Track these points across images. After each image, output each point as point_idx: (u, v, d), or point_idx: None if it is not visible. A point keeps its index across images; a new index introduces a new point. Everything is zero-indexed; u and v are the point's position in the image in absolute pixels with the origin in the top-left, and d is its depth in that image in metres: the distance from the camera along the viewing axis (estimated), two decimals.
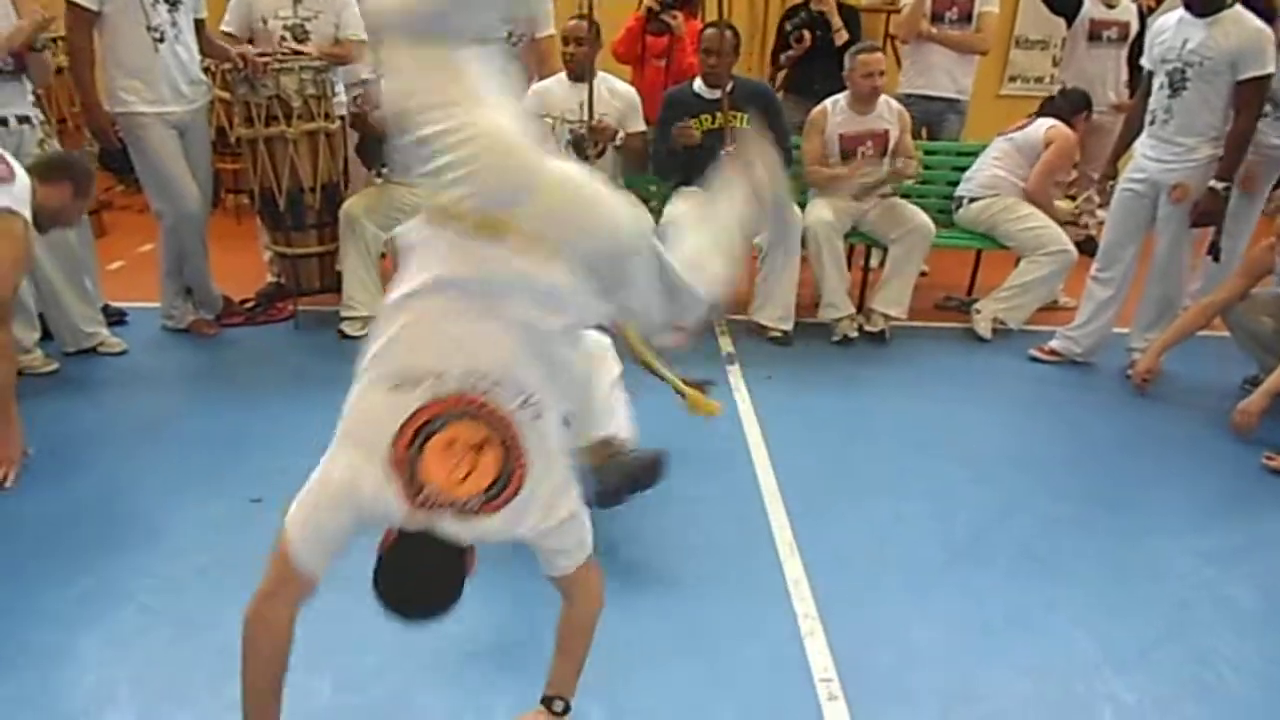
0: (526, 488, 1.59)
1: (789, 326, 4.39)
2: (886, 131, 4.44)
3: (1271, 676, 2.36)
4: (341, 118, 4.28)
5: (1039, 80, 6.69)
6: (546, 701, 1.94)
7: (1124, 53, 5.16)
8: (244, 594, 1.66)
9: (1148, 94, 3.95)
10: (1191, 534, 3.00)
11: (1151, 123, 3.92)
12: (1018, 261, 4.57)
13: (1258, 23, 3.64)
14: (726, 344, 4.35)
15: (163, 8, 3.72)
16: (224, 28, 4.17)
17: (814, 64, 5.03)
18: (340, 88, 4.29)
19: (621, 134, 4.27)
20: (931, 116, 5.13)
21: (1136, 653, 2.42)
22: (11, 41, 3.42)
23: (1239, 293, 3.79)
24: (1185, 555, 2.86)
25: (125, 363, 3.92)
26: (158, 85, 3.78)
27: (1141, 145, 4.00)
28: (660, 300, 1.82)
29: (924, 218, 4.39)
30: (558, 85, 4.31)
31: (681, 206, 2.16)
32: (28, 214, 2.93)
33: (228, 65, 3.96)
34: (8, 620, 2.34)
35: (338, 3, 4.23)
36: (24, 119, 3.59)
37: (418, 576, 1.59)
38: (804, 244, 4.33)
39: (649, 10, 4.79)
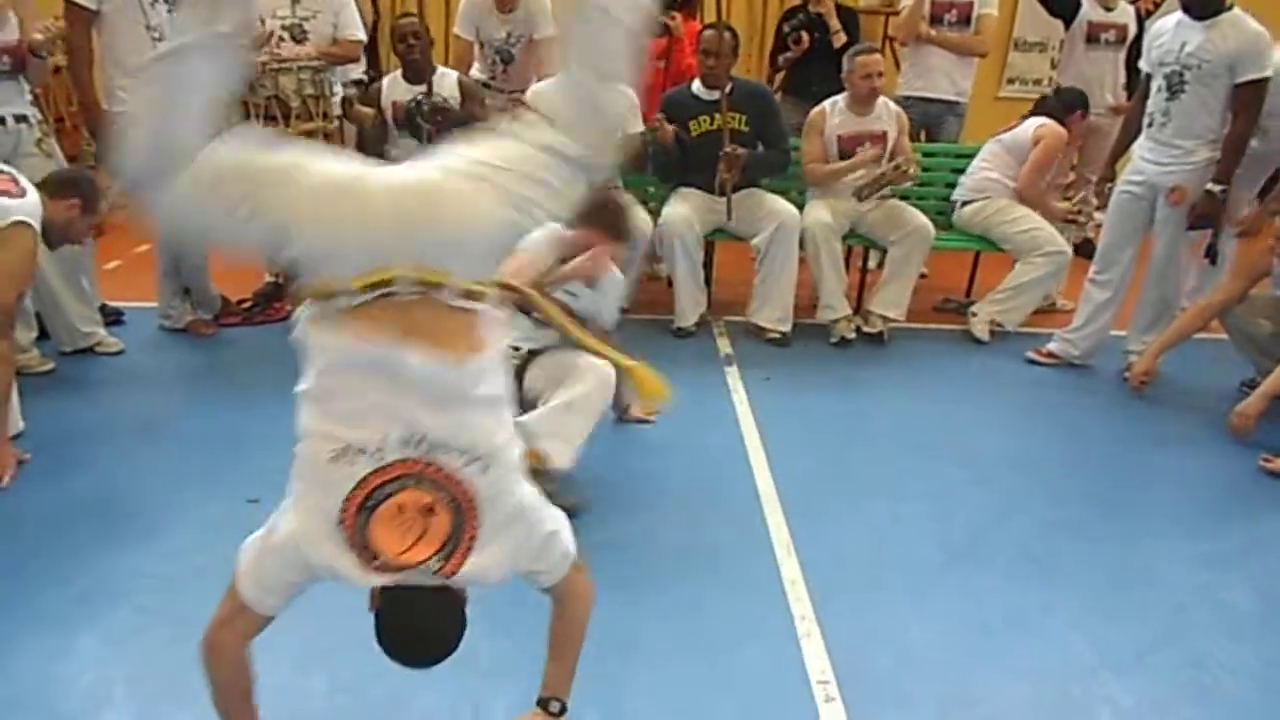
0: (482, 540, 1.54)
1: (787, 328, 4.39)
2: (885, 133, 4.44)
3: (1269, 679, 2.36)
4: (339, 118, 4.28)
5: (1037, 82, 6.71)
6: (542, 703, 1.94)
7: (1122, 55, 5.16)
8: None
9: (1146, 97, 3.96)
10: (1189, 536, 3.00)
11: (1149, 125, 3.92)
12: (1015, 263, 4.57)
13: (1256, 26, 3.65)
14: (725, 345, 4.36)
15: (161, 7, 3.71)
16: None
17: (812, 65, 5.04)
18: (338, 87, 4.30)
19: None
20: (930, 118, 5.13)
21: (1134, 655, 2.41)
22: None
23: (1237, 295, 3.79)
24: (1182, 558, 2.86)
25: (122, 362, 3.91)
26: None
27: (1139, 148, 4.00)
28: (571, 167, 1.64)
29: (923, 220, 4.39)
30: None
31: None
32: (38, 227, 2.95)
33: None
34: (4, 620, 2.33)
35: (335, 3, 4.24)
36: (21, 118, 3.59)
37: (416, 627, 1.57)
38: (802, 245, 4.34)
39: None
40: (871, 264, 5.03)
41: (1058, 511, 3.09)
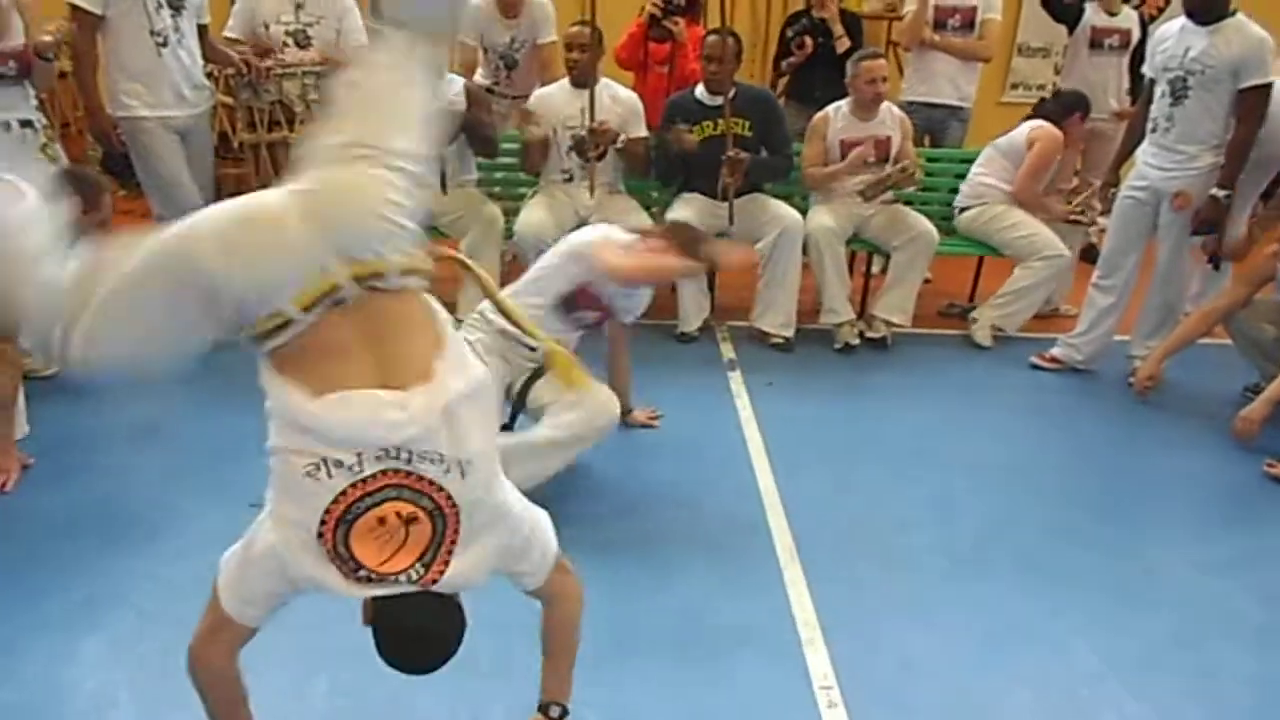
0: (462, 544, 1.53)
1: (790, 333, 4.38)
2: (888, 138, 4.44)
3: (1276, 686, 2.35)
4: None
5: (1041, 88, 6.71)
6: (543, 709, 1.94)
7: (1125, 60, 5.15)
8: None
9: (1149, 102, 3.96)
10: (1194, 543, 2.99)
11: (1153, 131, 3.92)
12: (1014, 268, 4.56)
13: (1260, 31, 3.65)
14: (728, 350, 4.35)
15: (166, 12, 3.73)
16: (227, 33, 4.18)
17: (815, 71, 5.03)
18: None
19: (622, 137, 4.28)
20: (934, 124, 5.13)
21: (1140, 662, 2.41)
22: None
23: (1241, 300, 3.79)
24: (1187, 563, 2.85)
25: None
26: (160, 90, 3.79)
27: (1143, 153, 4.00)
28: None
29: (927, 225, 4.39)
30: (560, 91, 4.32)
31: None
32: None
33: (231, 70, 3.97)
34: (8, 625, 2.34)
35: (339, 8, 4.25)
36: (26, 123, 3.59)
37: (414, 631, 1.54)
38: (805, 250, 4.34)
39: (651, 16, 4.79)
40: (875, 269, 5.03)
41: (1062, 517, 3.08)
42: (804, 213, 4.42)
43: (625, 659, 2.30)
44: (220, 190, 4.92)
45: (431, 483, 1.48)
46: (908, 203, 4.61)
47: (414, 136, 1.55)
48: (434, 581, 1.51)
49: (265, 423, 1.50)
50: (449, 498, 1.49)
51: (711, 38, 4.22)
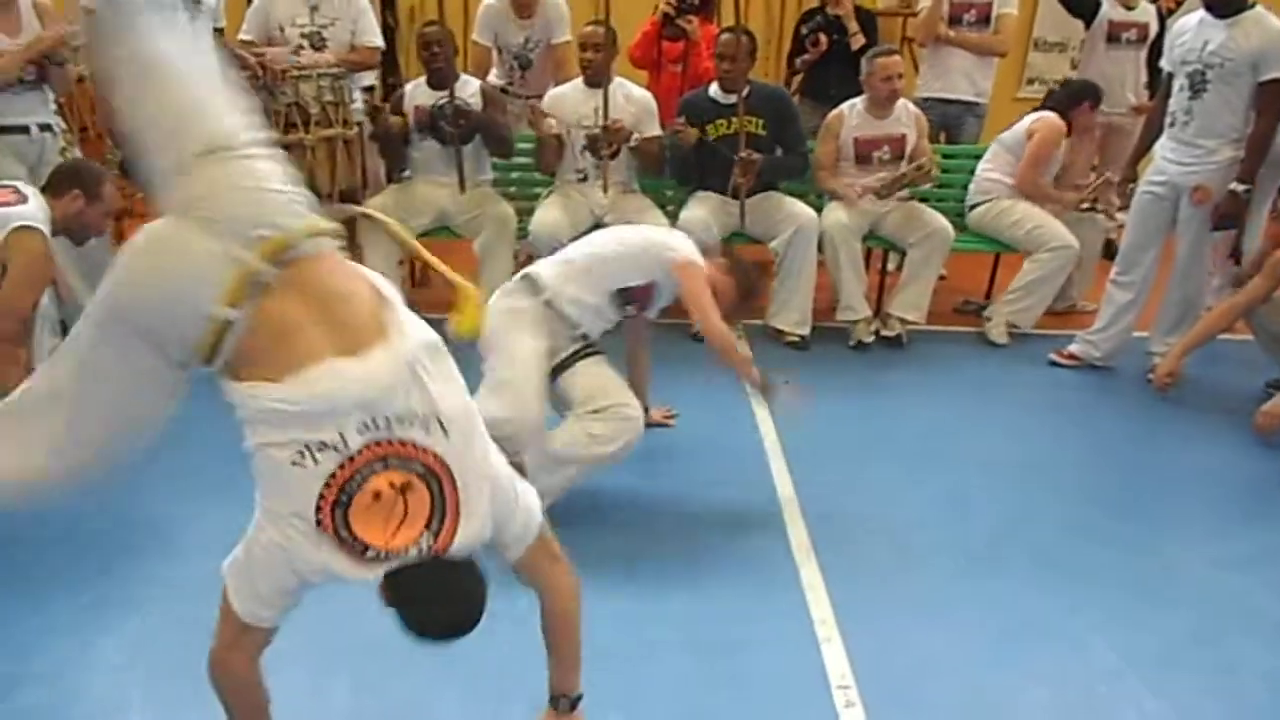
0: (468, 507, 1.53)
1: (806, 331, 4.37)
2: (903, 135, 4.43)
3: None
4: (359, 124, 4.31)
5: (1057, 82, 6.64)
6: (553, 701, 1.93)
7: (1143, 54, 5.12)
8: None
9: (1168, 96, 3.93)
10: (1213, 539, 2.97)
11: (1171, 125, 3.89)
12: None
13: (1279, 24, 3.61)
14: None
15: (181, 15, 3.74)
16: (242, 36, 4.21)
17: (830, 68, 5.02)
18: (357, 93, 4.33)
19: (636, 135, 4.28)
20: (950, 120, 5.10)
21: (1159, 659, 2.39)
22: (30, 51, 3.45)
23: (1262, 295, 3.75)
24: (1207, 560, 2.83)
25: None
26: None
27: (1161, 148, 3.97)
28: None
29: (943, 221, 4.37)
30: (573, 90, 4.32)
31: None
32: (47, 230, 2.95)
33: (247, 73, 3.99)
34: (20, 628, 2.35)
35: (353, 10, 4.27)
36: (45, 127, 3.63)
37: (438, 601, 1.53)
38: (821, 248, 4.32)
39: (665, 15, 4.79)
40: (891, 266, 5.01)
41: (1079, 514, 3.06)
42: (819, 210, 4.40)
43: (643, 658, 2.30)
44: None
45: (415, 445, 1.47)
46: (923, 199, 4.58)
47: (226, 103, 1.53)
48: (446, 547, 1.51)
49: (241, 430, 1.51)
50: (437, 458, 1.49)
51: (725, 36, 4.21)
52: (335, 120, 4.10)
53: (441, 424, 1.50)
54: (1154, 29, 5.06)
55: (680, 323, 4.44)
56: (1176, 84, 3.85)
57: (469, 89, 4.25)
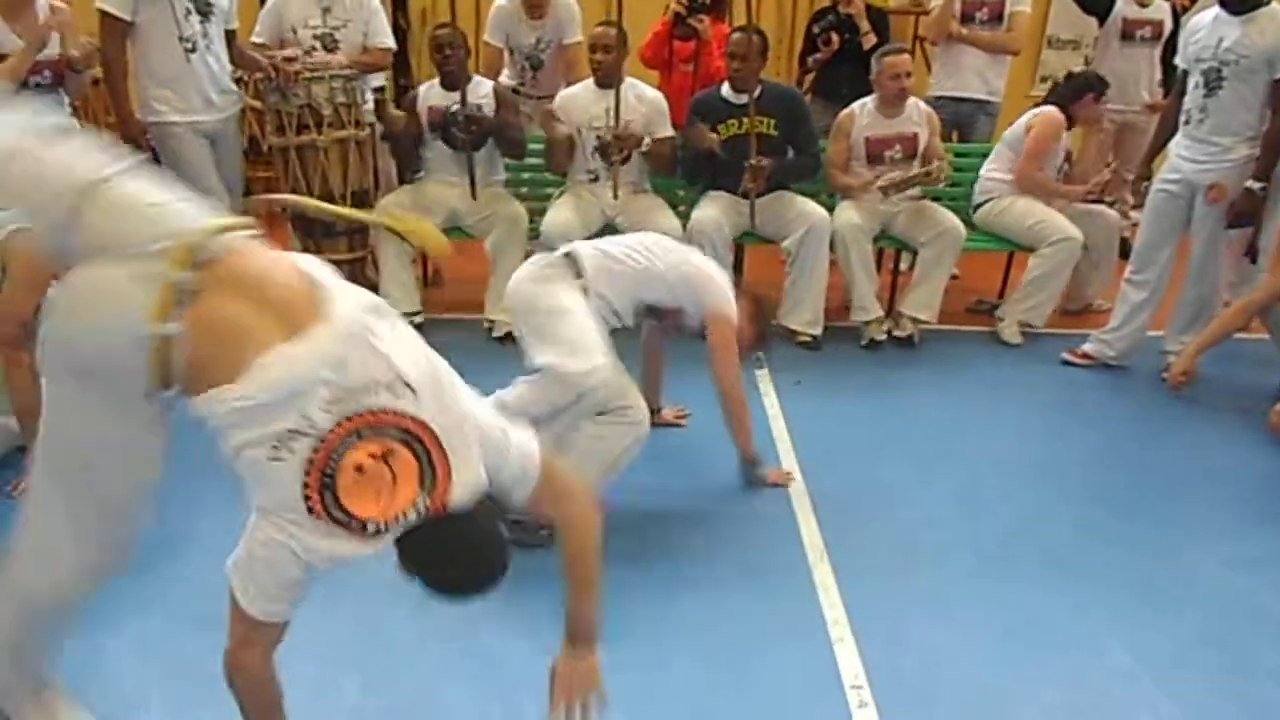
0: (457, 457, 1.53)
1: (818, 331, 4.36)
2: (915, 134, 4.41)
3: None
4: (371, 125, 4.33)
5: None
6: (567, 646, 1.86)
7: (1157, 52, 5.09)
8: None
9: (1182, 93, 3.90)
10: (1228, 539, 2.95)
11: (1186, 123, 3.87)
12: None
13: None
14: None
15: (195, 18, 3.77)
16: (255, 38, 4.23)
17: (842, 67, 5.01)
18: (369, 95, 4.34)
19: (648, 140, 4.27)
20: (962, 118, 5.08)
21: (1172, 660, 2.38)
22: (21, 63, 3.46)
23: (1277, 293, 3.73)
24: (1222, 560, 2.81)
25: None
26: (189, 95, 3.83)
27: (1176, 146, 3.94)
28: None
29: (954, 220, 4.35)
30: (584, 91, 4.33)
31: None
32: None
33: (260, 75, 4.01)
34: None
35: (366, 11, 4.29)
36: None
37: (456, 557, 1.54)
38: (832, 247, 4.31)
39: (676, 15, 4.79)
40: (903, 266, 4.99)
41: (1092, 514, 3.05)
42: (831, 209, 4.40)
43: (655, 659, 2.30)
44: (250, 192, 4.99)
45: (385, 410, 1.47)
46: (935, 198, 4.57)
47: (80, 149, 1.55)
48: (445, 505, 1.51)
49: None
50: (412, 419, 1.49)
51: (736, 35, 4.20)
52: (348, 122, 4.11)
53: (408, 384, 1.50)
54: (1168, 26, 5.03)
55: None
56: (1191, 81, 3.83)
57: (482, 90, 4.26)
